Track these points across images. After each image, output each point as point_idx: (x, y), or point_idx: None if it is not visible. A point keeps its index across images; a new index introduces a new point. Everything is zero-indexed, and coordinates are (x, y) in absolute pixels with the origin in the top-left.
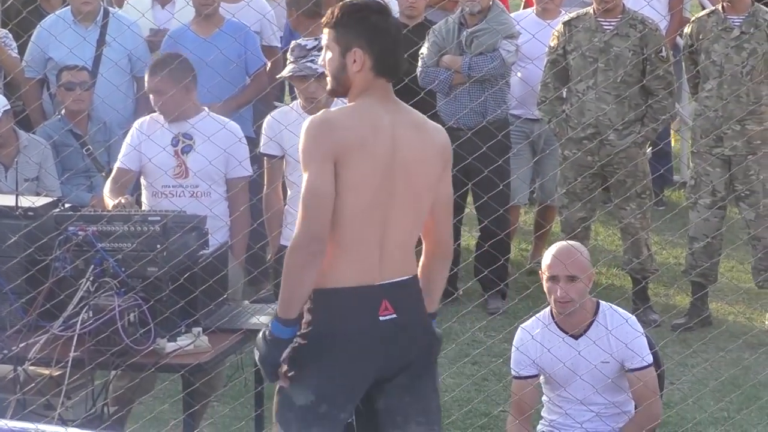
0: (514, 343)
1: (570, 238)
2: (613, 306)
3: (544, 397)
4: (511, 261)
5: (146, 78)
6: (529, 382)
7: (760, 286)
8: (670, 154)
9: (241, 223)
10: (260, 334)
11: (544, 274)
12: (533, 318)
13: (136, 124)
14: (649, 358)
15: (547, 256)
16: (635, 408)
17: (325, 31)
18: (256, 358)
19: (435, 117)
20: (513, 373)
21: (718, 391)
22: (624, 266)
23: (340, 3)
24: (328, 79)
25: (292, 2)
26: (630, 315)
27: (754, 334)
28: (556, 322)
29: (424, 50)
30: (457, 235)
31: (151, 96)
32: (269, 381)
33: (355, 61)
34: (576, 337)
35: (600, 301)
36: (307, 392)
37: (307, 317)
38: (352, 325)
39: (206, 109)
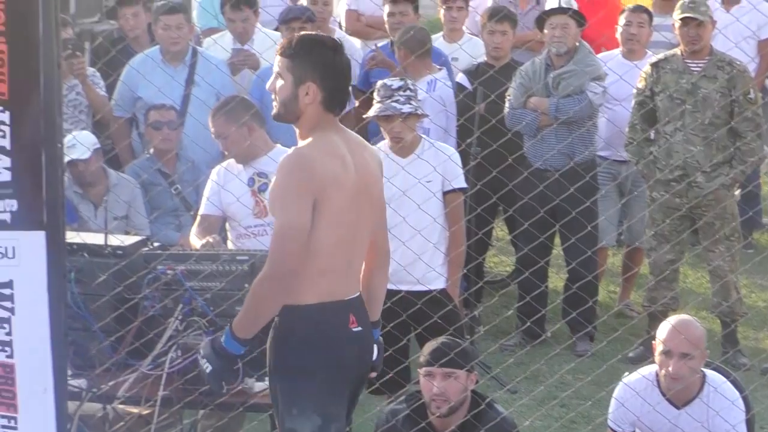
0: (615, 395)
1: (659, 281)
2: (719, 379)
3: None
4: (599, 303)
5: (209, 123)
6: None
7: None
8: (759, 196)
9: None
10: (207, 349)
11: (658, 346)
12: (638, 375)
13: (215, 170)
14: None
15: (663, 329)
16: None
17: (279, 58)
18: (206, 370)
19: (522, 158)
20: (610, 425)
21: None
22: (713, 309)
23: (297, 34)
24: (275, 104)
25: (403, 44)
26: (735, 392)
27: None
28: (659, 386)
29: (510, 92)
30: (544, 277)
31: (218, 141)
32: (215, 392)
33: (307, 93)
34: (678, 407)
35: (707, 374)
36: (312, 417)
37: (277, 334)
38: (333, 337)
39: (279, 144)
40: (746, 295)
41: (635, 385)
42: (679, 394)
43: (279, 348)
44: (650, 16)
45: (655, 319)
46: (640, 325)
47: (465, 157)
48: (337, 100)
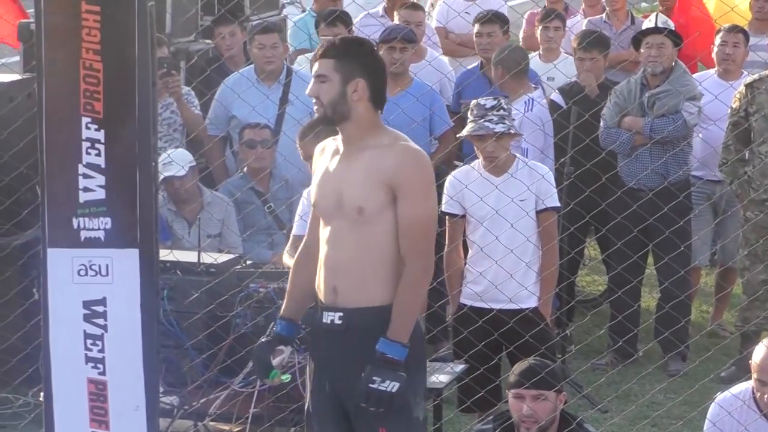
0: (708, 416)
1: (752, 301)
2: None
3: None
4: (691, 323)
5: (297, 145)
6: None
7: None
8: None
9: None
10: (378, 372)
11: (754, 373)
12: (730, 394)
13: (305, 192)
14: None
15: (759, 353)
16: None
17: (321, 60)
18: (392, 390)
19: (616, 177)
20: None
21: None
22: None
23: (338, 37)
24: (319, 107)
25: (500, 62)
26: None
27: None
28: (756, 402)
29: (605, 111)
30: (637, 295)
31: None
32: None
33: (355, 90)
34: None
35: None
36: (422, 402)
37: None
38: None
39: None
40: None
41: (728, 403)
42: None
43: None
44: (746, 36)
45: (748, 339)
46: (733, 345)
47: (559, 176)
48: (382, 97)
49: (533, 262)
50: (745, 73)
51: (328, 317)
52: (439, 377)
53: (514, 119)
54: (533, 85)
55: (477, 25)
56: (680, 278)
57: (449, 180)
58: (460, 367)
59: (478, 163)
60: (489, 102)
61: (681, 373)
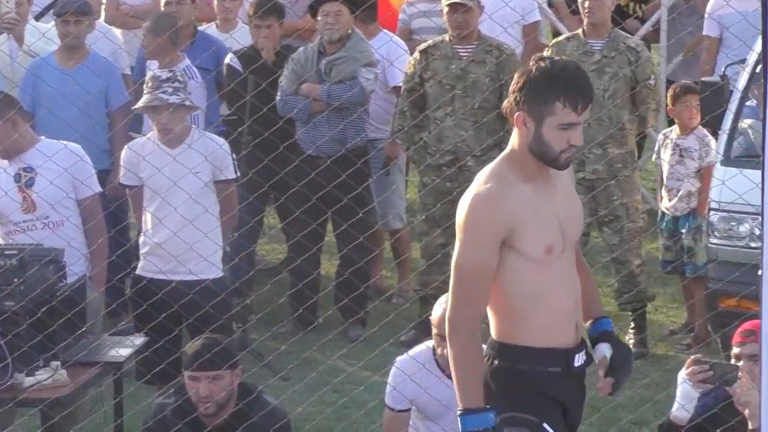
0: (389, 380)
1: (430, 265)
2: None
3: (411, 421)
4: (372, 288)
5: None
6: (401, 415)
7: (622, 309)
8: None
9: (100, 248)
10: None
11: (434, 328)
12: (408, 356)
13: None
14: None
15: (437, 310)
16: None
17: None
18: None
19: (294, 145)
20: (387, 404)
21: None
22: None
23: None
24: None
25: (151, 30)
26: None
27: None
28: (436, 361)
29: (282, 79)
30: (317, 263)
31: None
32: None
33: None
34: None
35: None
36: None
37: None
38: None
39: (44, 137)
40: None
41: (407, 364)
42: None
43: None
44: None
45: (427, 303)
46: (412, 309)
47: (236, 145)
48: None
49: (213, 233)
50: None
51: (579, 359)
52: (120, 351)
53: (190, 92)
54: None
55: None
56: (359, 244)
57: (125, 152)
58: (140, 340)
59: (153, 134)
60: (164, 74)
61: (361, 339)
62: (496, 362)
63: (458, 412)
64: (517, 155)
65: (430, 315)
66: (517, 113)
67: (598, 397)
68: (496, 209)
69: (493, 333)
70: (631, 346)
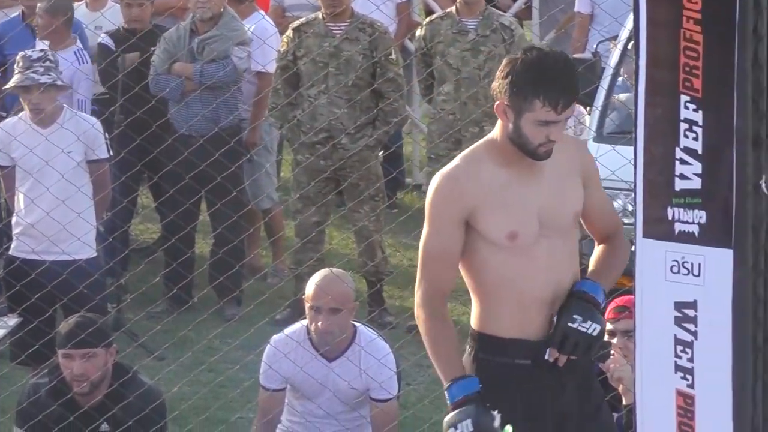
0: (264, 358)
1: (304, 243)
2: (371, 332)
3: (287, 400)
4: (245, 267)
5: None
6: (276, 395)
7: None
8: (402, 156)
9: None
10: (587, 311)
11: (307, 303)
12: (284, 334)
13: None
14: (395, 391)
15: (311, 285)
16: None
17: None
18: (593, 333)
19: (167, 124)
20: (261, 384)
21: None
22: (359, 269)
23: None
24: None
25: (48, 10)
26: (386, 346)
27: None
28: (310, 339)
29: (155, 58)
30: (191, 242)
31: None
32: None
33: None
34: (330, 359)
35: (359, 326)
36: None
37: None
38: None
39: None
40: (391, 254)
41: (282, 343)
42: (331, 348)
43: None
44: None
45: (302, 281)
46: (287, 288)
47: (109, 125)
48: None
49: (86, 213)
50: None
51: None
52: None
53: (62, 71)
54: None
55: None
56: (233, 223)
57: None
58: (14, 321)
59: (25, 114)
60: (35, 53)
61: (236, 318)
62: (472, 352)
63: (445, 388)
64: (498, 141)
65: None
66: (497, 102)
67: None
68: (454, 189)
69: (471, 321)
70: None
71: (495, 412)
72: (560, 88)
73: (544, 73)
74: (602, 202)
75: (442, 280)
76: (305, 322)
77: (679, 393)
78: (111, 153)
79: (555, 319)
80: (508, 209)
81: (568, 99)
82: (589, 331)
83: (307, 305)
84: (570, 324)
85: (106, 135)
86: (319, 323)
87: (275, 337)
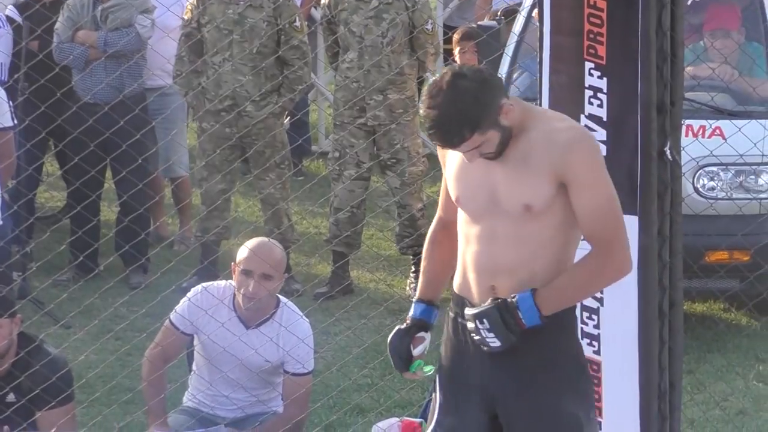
0: (190, 295)
1: (211, 211)
2: (292, 307)
3: (196, 364)
4: (152, 235)
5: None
6: (180, 335)
7: (403, 252)
8: (308, 124)
9: None
10: (500, 324)
11: (239, 266)
12: (217, 284)
13: None
14: (311, 367)
15: (244, 250)
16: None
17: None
18: (492, 344)
19: (71, 93)
20: (173, 320)
21: (361, 358)
22: (265, 237)
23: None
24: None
25: None
26: (306, 321)
27: (395, 300)
28: (234, 303)
29: (58, 25)
30: (97, 210)
31: None
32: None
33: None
34: (247, 326)
35: (282, 298)
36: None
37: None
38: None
39: None
40: (298, 221)
41: (213, 291)
42: (254, 314)
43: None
44: None
45: (208, 249)
46: (194, 255)
47: (14, 93)
48: None
49: None
50: None
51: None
52: None
53: None
54: None
55: None
56: (139, 191)
57: None
58: None
59: None
60: None
61: (143, 286)
62: None
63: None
64: None
65: (211, 260)
66: None
67: (381, 341)
68: None
69: None
70: (412, 289)
71: (423, 344)
72: (435, 137)
73: (426, 116)
74: (583, 207)
75: (442, 206)
76: (233, 282)
77: (587, 359)
78: (15, 121)
79: (491, 299)
80: (459, 176)
81: (447, 142)
82: (488, 341)
83: (238, 269)
84: (478, 324)
85: (11, 103)
86: (250, 287)
87: (205, 284)
